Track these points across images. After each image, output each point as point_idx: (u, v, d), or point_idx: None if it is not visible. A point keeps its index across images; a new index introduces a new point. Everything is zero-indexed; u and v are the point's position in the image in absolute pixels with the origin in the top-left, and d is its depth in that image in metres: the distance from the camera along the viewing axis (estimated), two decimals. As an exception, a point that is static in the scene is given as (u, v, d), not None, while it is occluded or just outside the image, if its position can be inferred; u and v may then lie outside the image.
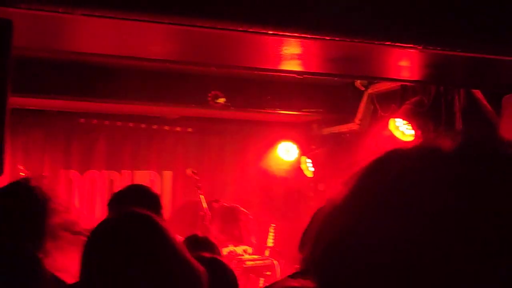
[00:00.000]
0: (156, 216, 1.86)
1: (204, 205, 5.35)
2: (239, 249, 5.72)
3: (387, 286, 0.64)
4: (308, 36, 3.20)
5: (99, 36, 3.57)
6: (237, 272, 5.34)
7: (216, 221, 5.62)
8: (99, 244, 1.79)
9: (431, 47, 3.41)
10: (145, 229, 1.78)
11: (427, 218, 0.64)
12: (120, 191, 3.02)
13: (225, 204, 5.78)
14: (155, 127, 7.35)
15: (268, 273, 5.46)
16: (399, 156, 0.74)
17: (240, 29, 3.01)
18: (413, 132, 5.34)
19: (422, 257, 0.63)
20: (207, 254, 2.42)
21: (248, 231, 5.69)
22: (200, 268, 1.81)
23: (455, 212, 0.64)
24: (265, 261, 5.68)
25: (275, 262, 5.56)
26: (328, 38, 3.21)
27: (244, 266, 5.46)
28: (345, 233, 0.70)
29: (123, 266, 1.71)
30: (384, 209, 0.68)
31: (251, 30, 3.04)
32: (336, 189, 0.75)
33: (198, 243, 2.81)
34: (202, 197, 5.48)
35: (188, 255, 1.81)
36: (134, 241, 1.74)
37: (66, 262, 2.43)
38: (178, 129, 7.47)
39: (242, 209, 5.80)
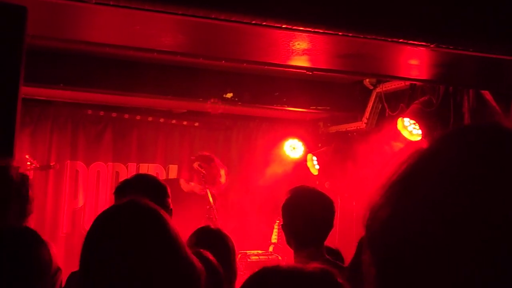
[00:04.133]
0: (158, 206, 1.85)
1: (210, 199, 5.35)
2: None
3: (448, 263, 0.64)
4: (321, 31, 3.19)
5: (111, 26, 3.58)
6: (241, 267, 5.37)
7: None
8: (97, 232, 1.79)
9: (443, 46, 3.40)
10: (143, 219, 1.77)
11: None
12: (127, 180, 3.02)
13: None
14: (162, 120, 7.35)
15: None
16: (464, 132, 0.75)
17: (253, 22, 3.00)
18: (420, 132, 5.34)
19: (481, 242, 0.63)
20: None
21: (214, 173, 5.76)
22: (198, 265, 1.79)
23: None
24: (269, 257, 5.68)
25: (279, 257, 5.56)
26: (341, 33, 3.21)
27: (248, 260, 5.46)
28: (405, 208, 0.70)
29: (117, 255, 1.70)
30: (446, 185, 0.68)
31: (264, 23, 3.04)
32: (394, 168, 0.76)
33: (211, 234, 2.80)
34: (208, 190, 5.48)
35: (186, 250, 1.79)
36: (131, 232, 1.73)
37: None
38: (184, 123, 7.47)
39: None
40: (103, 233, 1.77)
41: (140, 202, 1.83)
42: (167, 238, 1.74)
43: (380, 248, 0.73)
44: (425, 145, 0.77)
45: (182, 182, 5.71)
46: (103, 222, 1.81)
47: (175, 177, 5.80)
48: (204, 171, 5.63)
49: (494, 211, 0.63)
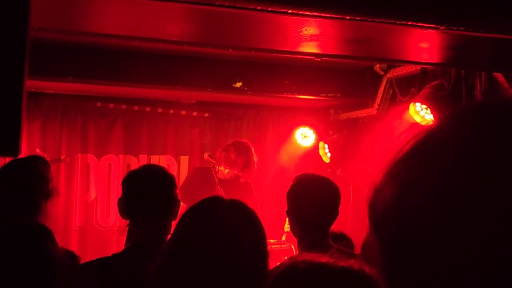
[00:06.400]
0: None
1: (220, 190, 5.32)
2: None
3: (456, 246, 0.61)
4: (328, 15, 3.14)
5: (116, 17, 3.54)
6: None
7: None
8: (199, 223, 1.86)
9: (454, 28, 3.34)
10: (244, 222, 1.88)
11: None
12: (134, 171, 2.99)
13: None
14: (171, 111, 7.32)
15: (285, 257, 5.44)
16: (476, 110, 0.71)
17: (259, 8, 2.95)
18: (432, 116, 5.27)
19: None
20: None
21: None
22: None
23: None
24: (282, 246, 5.65)
25: (292, 246, 5.53)
26: (348, 17, 3.15)
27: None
28: (411, 189, 0.67)
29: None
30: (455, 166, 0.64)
31: (270, 9, 2.99)
32: (398, 147, 0.72)
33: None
34: (218, 181, 5.44)
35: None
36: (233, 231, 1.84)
37: None
38: (194, 113, 7.44)
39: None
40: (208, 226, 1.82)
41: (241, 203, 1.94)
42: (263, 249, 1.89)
43: (384, 228, 0.69)
44: (433, 123, 0.73)
45: (218, 169, 5.63)
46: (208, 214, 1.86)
47: (208, 166, 5.75)
48: (214, 162, 5.59)
49: (502, 196, 0.59)
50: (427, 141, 0.70)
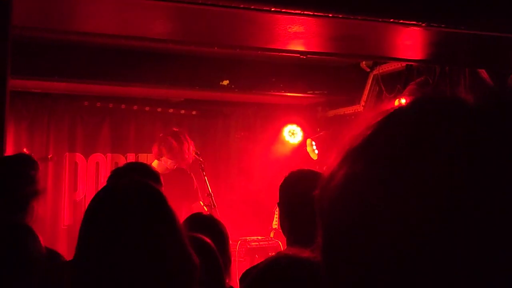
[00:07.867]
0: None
1: (208, 187, 5.33)
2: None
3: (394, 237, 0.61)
4: (311, 13, 3.17)
5: (100, 16, 3.55)
6: (241, 253, 5.36)
7: None
8: (95, 211, 1.77)
9: (435, 25, 3.37)
10: (147, 200, 1.75)
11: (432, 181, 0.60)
12: (119, 168, 3.01)
13: None
14: (159, 110, 7.32)
15: (272, 254, 5.47)
16: (418, 107, 0.69)
17: (242, 6, 2.98)
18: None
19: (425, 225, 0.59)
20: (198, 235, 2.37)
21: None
22: (195, 258, 1.76)
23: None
24: (270, 242, 5.68)
25: (280, 243, 5.57)
26: (331, 15, 3.18)
27: (248, 247, 5.46)
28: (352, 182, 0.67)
29: (116, 235, 1.68)
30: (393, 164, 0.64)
31: (252, 7, 3.02)
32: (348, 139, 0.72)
33: (203, 221, 2.79)
34: (206, 178, 5.46)
35: (187, 241, 1.76)
36: (133, 211, 1.71)
37: None
38: (182, 111, 7.45)
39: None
40: (102, 212, 1.75)
41: (143, 182, 1.81)
42: (171, 225, 1.73)
43: (331, 215, 0.70)
44: (388, 112, 0.71)
45: (155, 163, 5.61)
46: (103, 200, 1.77)
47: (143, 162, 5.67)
48: (201, 159, 5.60)
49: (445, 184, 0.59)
50: (379, 132, 0.69)
